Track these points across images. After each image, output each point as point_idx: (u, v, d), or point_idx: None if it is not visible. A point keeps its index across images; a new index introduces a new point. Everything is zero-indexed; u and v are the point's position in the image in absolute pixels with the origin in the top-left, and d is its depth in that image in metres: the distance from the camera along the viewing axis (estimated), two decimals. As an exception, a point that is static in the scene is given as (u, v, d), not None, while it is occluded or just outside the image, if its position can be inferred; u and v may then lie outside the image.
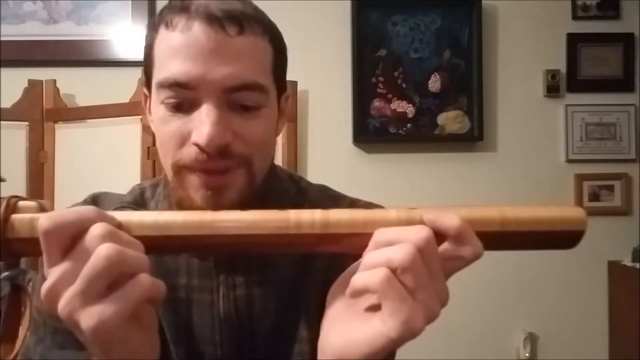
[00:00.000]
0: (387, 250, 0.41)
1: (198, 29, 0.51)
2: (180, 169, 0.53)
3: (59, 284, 0.40)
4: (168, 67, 0.52)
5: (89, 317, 0.38)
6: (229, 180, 0.53)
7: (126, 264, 0.39)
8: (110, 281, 0.39)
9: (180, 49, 0.51)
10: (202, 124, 0.50)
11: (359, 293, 0.42)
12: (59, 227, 0.40)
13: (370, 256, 0.42)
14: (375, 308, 0.42)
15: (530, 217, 0.45)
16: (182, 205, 0.54)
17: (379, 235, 0.43)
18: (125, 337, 0.40)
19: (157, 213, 0.45)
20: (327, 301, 0.48)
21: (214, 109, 0.51)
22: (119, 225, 0.42)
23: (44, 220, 0.40)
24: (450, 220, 0.43)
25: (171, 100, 0.52)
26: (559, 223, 0.45)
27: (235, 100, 0.52)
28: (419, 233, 0.41)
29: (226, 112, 0.52)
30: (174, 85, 0.51)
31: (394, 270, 0.40)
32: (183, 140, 0.52)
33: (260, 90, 0.53)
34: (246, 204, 0.51)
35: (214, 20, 0.51)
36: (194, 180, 0.52)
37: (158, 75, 0.53)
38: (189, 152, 0.52)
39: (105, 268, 0.38)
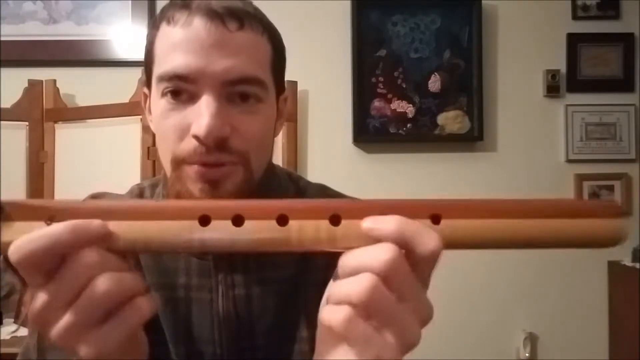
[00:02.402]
0: (347, 284, 0.37)
1: (199, 24, 0.52)
2: (179, 163, 0.53)
3: (48, 310, 0.37)
4: (168, 61, 0.52)
5: (87, 346, 0.37)
6: (226, 173, 0.53)
7: (124, 292, 0.38)
8: (108, 309, 0.38)
9: (181, 43, 0.52)
10: (201, 116, 0.51)
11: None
12: (31, 257, 0.36)
13: (333, 288, 0.38)
14: None
15: (556, 239, 0.41)
16: (180, 199, 0.54)
17: (345, 261, 0.38)
18: (122, 355, 0.40)
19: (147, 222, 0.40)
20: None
21: (213, 101, 0.51)
22: (104, 235, 0.38)
23: (13, 252, 0.36)
24: (385, 226, 0.37)
25: (171, 89, 0.52)
26: (589, 242, 0.42)
27: (234, 93, 0.53)
28: (380, 256, 0.36)
29: (225, 106, 0.52)
30: (174, 77, 0.52)
31: (356, 307, 0.36)
32: (182, 133, 0.52)
33: (259, 85, 0.54)
34: None
35: (214, 15, 0.52)
36: (191, 173, 0.53)
37: (158, 69, 0.54)
38: (188, 145, 0.52)
39: (104, 300, 0.37)
